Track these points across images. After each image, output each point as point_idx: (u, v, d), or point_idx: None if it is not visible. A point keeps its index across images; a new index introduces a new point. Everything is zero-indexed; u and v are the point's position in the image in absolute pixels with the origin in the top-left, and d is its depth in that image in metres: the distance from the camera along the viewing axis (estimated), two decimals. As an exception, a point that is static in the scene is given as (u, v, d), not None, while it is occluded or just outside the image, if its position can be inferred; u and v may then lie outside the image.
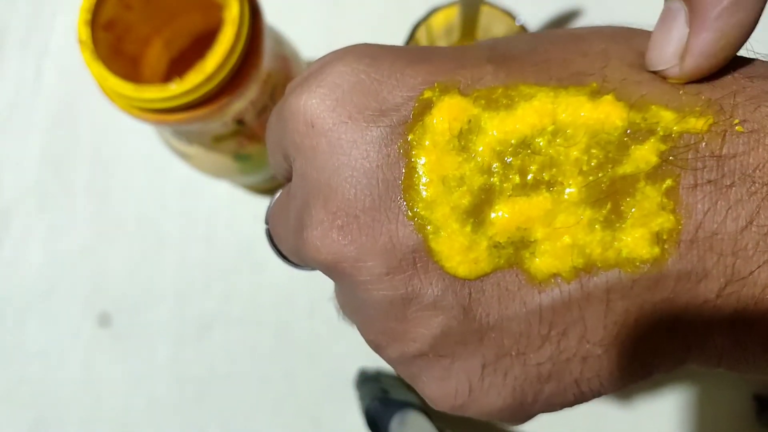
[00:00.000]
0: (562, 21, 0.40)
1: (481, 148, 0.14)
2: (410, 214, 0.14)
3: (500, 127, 0.14)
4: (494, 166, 0.14)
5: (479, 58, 0.15)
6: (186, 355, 0.39)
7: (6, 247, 0.41)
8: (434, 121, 0.14)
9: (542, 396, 0.15)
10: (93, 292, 0.40)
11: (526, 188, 0.14)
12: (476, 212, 0.14)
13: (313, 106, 0.15)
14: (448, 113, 0.14)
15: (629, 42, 0.15)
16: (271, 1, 0.31)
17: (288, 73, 0.32)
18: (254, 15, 0.27)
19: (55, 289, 0.40)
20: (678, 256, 0.13)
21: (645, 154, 0.13)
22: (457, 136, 0.14)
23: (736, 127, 0.13)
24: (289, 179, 0.18)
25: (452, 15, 0.34)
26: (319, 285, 0.39)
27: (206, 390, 0.38)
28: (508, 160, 0.14)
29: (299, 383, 0.38)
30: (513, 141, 0.14)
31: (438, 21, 0.34)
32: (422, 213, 0.14)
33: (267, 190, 0.40)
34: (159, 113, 0.27)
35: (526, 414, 0.16)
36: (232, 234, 0.40)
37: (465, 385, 0.15)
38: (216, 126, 0.29)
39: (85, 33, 0.26)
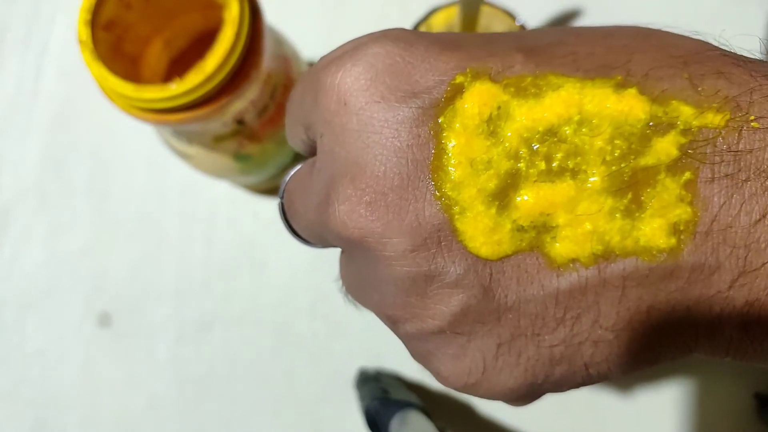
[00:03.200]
0: (562, 21, 0.40)
1: (509, 134, 0.14)
2: (437, 194, 0.14)
3: (528, 115, 0.14)
4: (521, 151, 0.14)
5: (509, 47, 0.15)
6: (186, 355, 0.39)
7: (6, 247, 0.41)
8: (465, 105, 0.14)
9: (552, 378, 0.15)
10: (93, 292, 0.40)
11: (551, 175, 0.14)
12: (502, 195, 0.14)
13: (347, 84, 0.15)
14: (478, 98, 0.14)
15: (649, 39, 0.15)
16: (271, 1, 0.31)
17: (288, 73, 0.32)
18: (254, 15, 0.27)
19: (55, 289, 0.40)
20: (693, 247, 0.13)
21: (666, 147, 0.14)
22: (487, 121, 0.14)
23: (752, 123, 0.13)
24: (307, 152, 0.19)
25: (452, 15, 0.34)
26: (319, 285, 0.39)
27: (206, 390, 0.38)
28: (535, 147, 0.14)
29: (299, 383, 0.38)
30: (540, 129, 0.14)
31: (438, 21, 0.34)
32: (449, 193, 0.14)
33: (267, 190, 0.40)
34: (159, 113, 0.27)
35: (533, 395, 0.16)
36: (232, 234, 0.40)
37: (479, 364, 0.15)
38: (216, 126, 0.29)
39: (85, 33, 0.26)
